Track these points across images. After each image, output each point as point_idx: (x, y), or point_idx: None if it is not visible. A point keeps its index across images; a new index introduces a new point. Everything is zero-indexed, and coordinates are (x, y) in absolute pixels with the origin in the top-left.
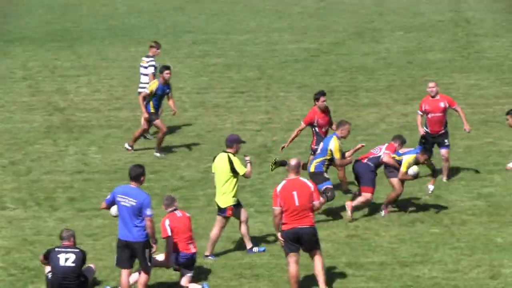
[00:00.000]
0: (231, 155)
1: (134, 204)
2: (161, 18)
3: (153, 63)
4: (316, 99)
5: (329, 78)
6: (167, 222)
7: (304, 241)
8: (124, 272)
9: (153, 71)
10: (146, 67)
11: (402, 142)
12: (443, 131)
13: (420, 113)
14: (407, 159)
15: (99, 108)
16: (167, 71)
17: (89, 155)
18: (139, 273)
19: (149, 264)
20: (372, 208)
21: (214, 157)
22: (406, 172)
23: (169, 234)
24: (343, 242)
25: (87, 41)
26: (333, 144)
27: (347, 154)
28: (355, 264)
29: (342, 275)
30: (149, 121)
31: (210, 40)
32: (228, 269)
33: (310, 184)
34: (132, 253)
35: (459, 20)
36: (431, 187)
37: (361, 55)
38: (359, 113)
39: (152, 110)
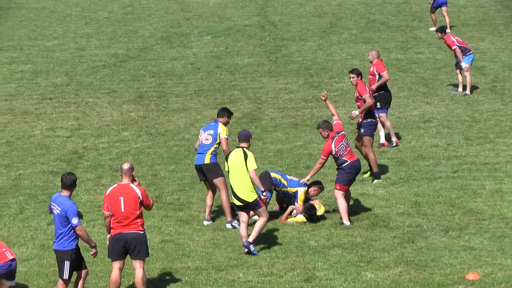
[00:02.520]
0: (246, 150)
1: (59, 211)
2: None
3: None
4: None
5: (138, 84)
6: None
7: (130, 247)
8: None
9: None
10: None
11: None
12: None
13: None
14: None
15: None
16: None
17: None
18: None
19: (65, 277)
20: (188, 214)
21: (227, 156)
22: None
23: None
24: (157, 248)
25: None
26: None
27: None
28: (170, 269)
29: (158, 281)
30: None
31: (17, 47)
32: (42, 277)
33: (139, 191)
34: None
35: (266, 24)
36: None
37: (170, 60)
38: (169, 118)
39: None
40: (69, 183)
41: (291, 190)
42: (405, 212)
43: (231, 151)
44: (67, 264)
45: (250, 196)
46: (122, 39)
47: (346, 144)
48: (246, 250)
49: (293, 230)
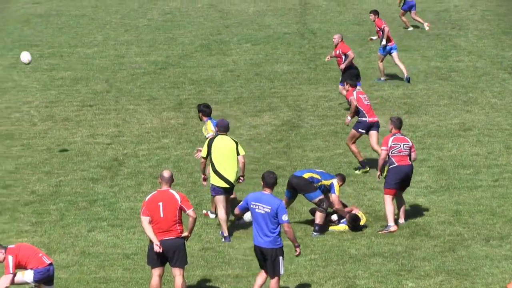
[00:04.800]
0: (232, 137)
1: (268, 211)
2: (7, 32)
3: None
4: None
5: (178, 91)
6: (10, 259)
7: (170, 255)
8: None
9: None
10: None
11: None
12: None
13: None
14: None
15: None
16: None
17: None
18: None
19: (281, 272)
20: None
21: (210, 141)
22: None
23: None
24: (198, 255)
25: None
26: None
27: None
28: (210, 277)
29: None
30: None
31: (57, 54)
32: (83, 284)
33: (178, 196)
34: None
35: (305, 32)
36: None
37: (209, 68)
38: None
39: None
40: (272, 181)
41: (326, 183)
42: (445, 220)
43: (213, 138)
44: (281, 260)
45: (234, 178)
46: (162, 47)
47: (404, 148)
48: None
49: (333, 239)
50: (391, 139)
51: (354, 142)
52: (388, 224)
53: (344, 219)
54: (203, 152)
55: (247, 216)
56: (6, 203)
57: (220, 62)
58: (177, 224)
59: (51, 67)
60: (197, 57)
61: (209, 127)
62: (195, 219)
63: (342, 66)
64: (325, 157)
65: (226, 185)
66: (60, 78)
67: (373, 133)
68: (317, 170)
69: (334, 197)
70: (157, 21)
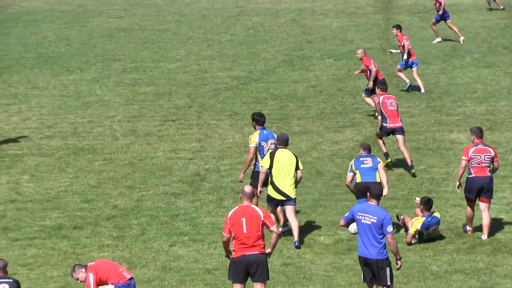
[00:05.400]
0: (293, 152)
1: (374, 221)
2: (90, 46)
3: None
4: None
5: (260, 106)
6: (91, 276)
7: (252, 270)
8: None
9: None
10: None
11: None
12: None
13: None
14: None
15: (31, 136)
16: None
17: (21, 184)
18: None
19: (389, 283)
20: (309, 237)
21: (272, 153)
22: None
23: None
24: (279, 271)
25: (17, 69)
26: None
27: None
28: None
29: None
30: None
31: (140, 68)
32: None
33: (261, 212)
34: None
35: (388, 47)
36: None
37: (292, 83)
38: (291, 140)
39: None
40: (378, 193)
41: None
42: None
43: (275, 150)
44: (388, 271)
45: (293, 192)
46: (244, 62)
47: (484, 160)
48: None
49: (415, 255)
50: (472, 149)
51: (380, 138)
52: (466, 228)
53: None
54: (266, 163)
55: (353, 227)
56: (87, 217)
57: (302, 77)
58: (260, 240)
59: (133, 81)
60: (279, 72)
61: (252, 138)
62: (278, 235)
63: (370, 83)
64: (407, 173)
65: (282, 198)
66: (143, 92)
67: (398, 137)
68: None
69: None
70: (240, 36)
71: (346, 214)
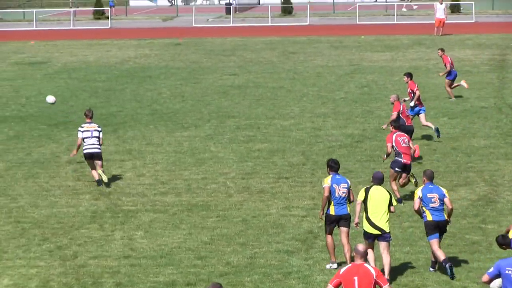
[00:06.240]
0: (387, 189)
1: None
2: (205, 103)
3: None
4: None
5: (373, 164)
6: None
7: None
8: None
9: None
10: None
11: None
12: None
13: None
14: None
15: (145, 192)
16: None
17: (135, 239)
18: None
19: None
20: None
21: (367, 189)
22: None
23: None
24: None
25: (132, 125)
26: None
27: None
28: None
29: None
30: None
31: (254, 125)
32: None
33: (373, 271)
34: None
35: (503, 106)
36: None
37: None
38: (405, 199)
39: None
40: None
41: None
42: None
43: (370, 187)
44: None
45: (387, 226)
46: (358, 119)
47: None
48: None
49: None
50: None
51: (394, 180)
52: None
53: None
54: (361, 196)
55: (496, 284)
56: (201, 274)
57: (415, 135)
58: None
59: (248, 138)
60: None
61: (326, 180)
62: None
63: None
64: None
65: (378, 232)
66: (257, 149)
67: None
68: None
69: None
70: (354, 93)
71: (491, 270)
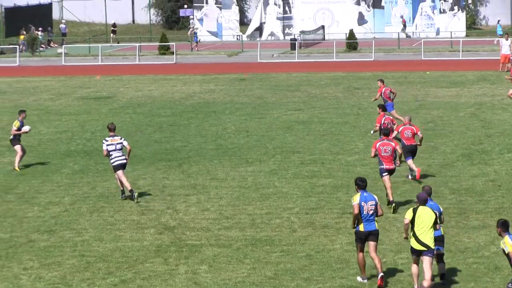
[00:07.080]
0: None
1: None
2: (269, 138)
3: None
4: None
5: (438, 200)
6: None
7: None
8: None
9: None
10: None
11: None
12: None
13: None
14: None
15: (209, 227)
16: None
17: (199, 274)
18: None
19: None
20: None
21: (414, 209)
22: None
23: None
24: None
25: (196, 160)
26: None
27: None
28: None
29: None
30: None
31: (318, 161)
32: None
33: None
34: None
35: None
36: None
37: (470, 177)
38: (469, 235)
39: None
40: None
41: None
42: None
43: (417, 207)
44: None
45: (432, 243)
46: (423, 155)
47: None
48: None
49: None
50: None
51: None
52: None
53: None
54: (409, 215)
55: None
56: None
57: (481, 171)
58: None
59: (312, 174)
60: (458, 166)
61: (355, 198)
62: None
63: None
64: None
65: (423, 248)
66: (321, 185)
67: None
68: None
69: None
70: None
71: None
